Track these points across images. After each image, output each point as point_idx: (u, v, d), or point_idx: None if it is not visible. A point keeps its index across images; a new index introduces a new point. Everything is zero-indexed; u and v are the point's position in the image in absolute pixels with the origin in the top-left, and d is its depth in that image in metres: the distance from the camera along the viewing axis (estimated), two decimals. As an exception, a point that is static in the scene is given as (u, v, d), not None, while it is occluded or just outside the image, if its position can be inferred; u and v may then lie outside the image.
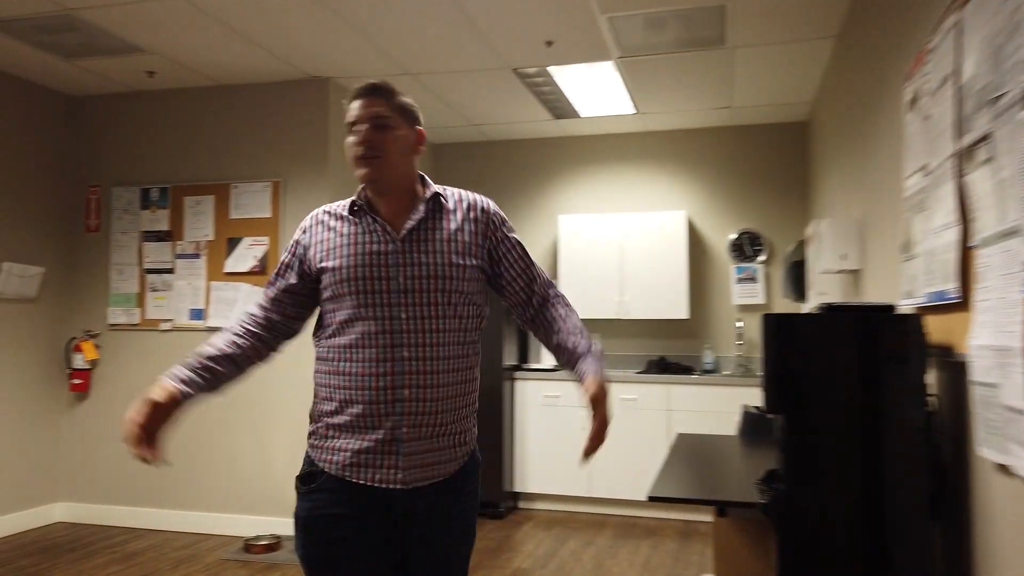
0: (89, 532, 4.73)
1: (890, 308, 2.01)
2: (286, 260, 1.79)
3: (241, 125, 4.87)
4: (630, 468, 5.20)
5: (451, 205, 1.77)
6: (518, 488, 5.40)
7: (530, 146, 6.18)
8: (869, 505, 1.84)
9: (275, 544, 4.34)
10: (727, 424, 4.98)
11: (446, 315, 1.69)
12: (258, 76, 4.72)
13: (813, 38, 4.07)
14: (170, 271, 4.91)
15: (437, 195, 1.76)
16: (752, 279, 5.65)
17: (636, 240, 5.58)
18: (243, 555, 4.26)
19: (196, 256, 4.88)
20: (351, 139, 1.70)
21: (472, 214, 1.77)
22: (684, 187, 5.88)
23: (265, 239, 4.76)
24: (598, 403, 1.64)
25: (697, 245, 5.81)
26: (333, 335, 1.70)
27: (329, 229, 1.74)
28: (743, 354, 5.59)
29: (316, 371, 1.74)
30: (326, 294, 1.72)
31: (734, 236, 5.73)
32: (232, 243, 4.81)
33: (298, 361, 4.43)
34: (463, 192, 1.81)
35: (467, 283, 1.72)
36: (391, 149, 1.69)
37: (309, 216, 1.81)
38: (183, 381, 1.64)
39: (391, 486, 1.65)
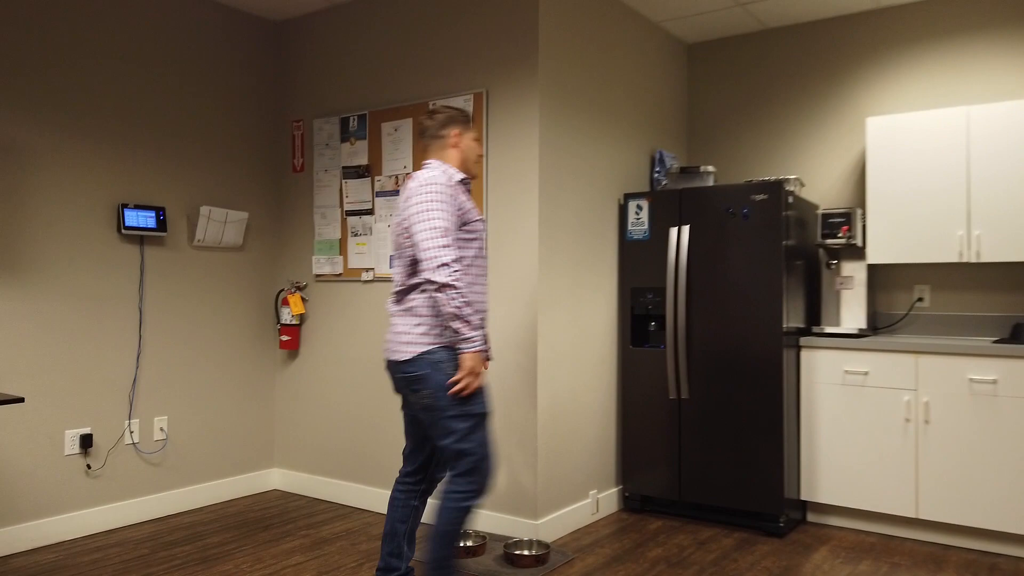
0: (296, 506, 4.26)
1: None
2: (449, 210, 2.53)
3: (439, 29, 3.95)
4: (986, 484, 3.50)
5: None
6: (805, 496, 3.95)
7: (823, 28, 4.53)
8: None
9: (478, 547, 3.45)
10: None
11: None
12: (455, -38, 3.76)
13: None
14: (370, 212, 4.20)
15: None
16: None
17: (992, 145, 3.74)
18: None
19: (395, 193, 4.11)
20: (479, 149, 2.80)
21: None
22: (1075, 62, 3.86)
23: (467, 166, 3.83)
24: None
25: (1099, 149, 3.78)
26: (468, 265, 2.63)
27: (463, 194, 2.62)
28: None
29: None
30: (470, 236, 2.62)
31: None
32: (432, 175, 4.01)
33: (517, 351, 3.56)
34: None
35: None
36: None
37: (444, 182, 2.55)
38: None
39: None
